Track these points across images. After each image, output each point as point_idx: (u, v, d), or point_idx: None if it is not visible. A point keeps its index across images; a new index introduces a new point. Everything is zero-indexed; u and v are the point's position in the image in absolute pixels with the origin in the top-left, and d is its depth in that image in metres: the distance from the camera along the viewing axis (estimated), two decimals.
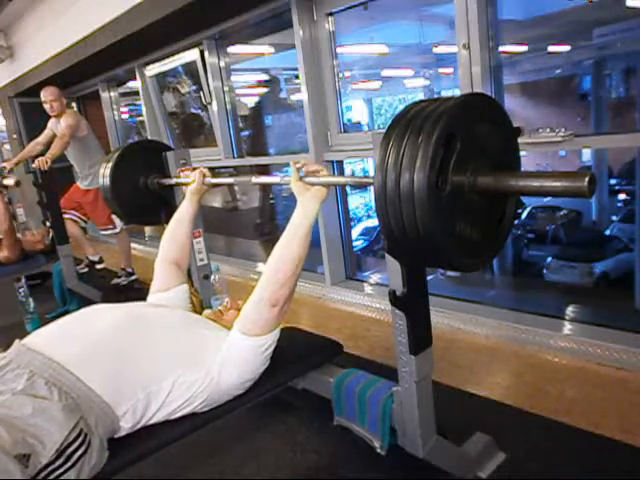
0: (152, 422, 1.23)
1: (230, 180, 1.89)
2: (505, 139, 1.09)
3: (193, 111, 3.98)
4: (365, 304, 2.65)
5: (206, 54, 3.37)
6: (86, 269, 3.96)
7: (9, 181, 3.40)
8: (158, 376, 1.22)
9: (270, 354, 1.31)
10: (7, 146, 6.42)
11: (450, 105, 0.94)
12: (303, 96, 2.69)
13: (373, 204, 0.97)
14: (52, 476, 1.00)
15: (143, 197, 2.08)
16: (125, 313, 1.37)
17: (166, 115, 4.15)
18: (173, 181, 2.00)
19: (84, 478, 1.07)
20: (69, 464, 1.03)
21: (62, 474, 1.02)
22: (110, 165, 2.00)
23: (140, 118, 4.92)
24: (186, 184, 1.86)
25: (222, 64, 3.42)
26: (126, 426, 1.19)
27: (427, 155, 0.89)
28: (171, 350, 1.28)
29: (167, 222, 1.93)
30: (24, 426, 1.01)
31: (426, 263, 1.16)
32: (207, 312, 1.61)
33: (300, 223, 1.28)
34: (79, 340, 1.23)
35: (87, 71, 4.40)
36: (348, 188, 3.14)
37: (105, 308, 1.41)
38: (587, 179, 0.84)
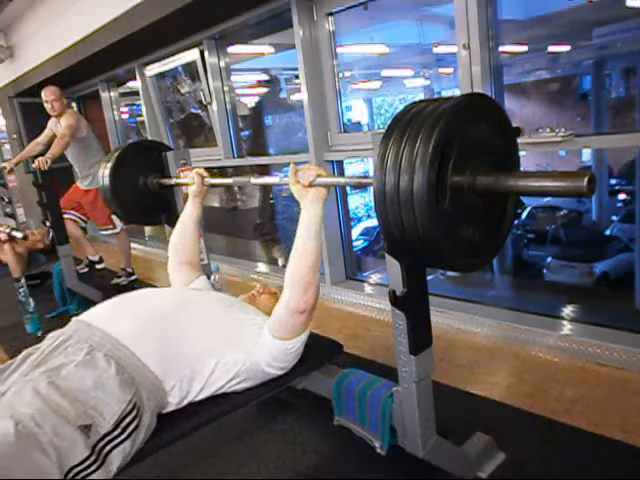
0: (197, 399, 1.29)
1: (229, 181, 1.89)
2: (504, 139, 1.09)
3: (193, 111, 3.98)
4: (365, 304, 2.66)
5: (206, 54, 3.37)
6: (86, 269, 3.96)
7: (18, 234, 3.46)
8: (204, 355, 1.28)
9: (300, 353, 1.37)
10: (7, 146, 6.42)
11: (449, 106, 0.94)
12: (303, 96, 2.69)
13: (373, 205, 0.97)
14: (109, 446, 1.07)
15: (143, 197, 2.08)
16: (173, 294, 1.49)
17: (166, 115, 4.15)
18: (173, 181, 2.00)
19: (136, 450, 1.14)
20: (125, 435, 1.10)
21: (118, 444, 1.09)
22: (109, 165, 1.99)
23: (140, 118, 4.92)
24: (186, 184, 1.86)
25: (222, 64, 3.42)
26: (173, 401, 1.26)
27: (426, 157, 0.89)
28: (215, 331, 1.33)
29: (167, 222, 1.92)
30: (85, 398, 1.09)
31: (426, 264, 1.16)
32: (242, 296, 1.65)
33: (308, 227, 1.29)
34: (133, 318, 1.30)
35: (87, 71, 4.40)
36: (348, 188, 3.14)
37: (154, 290, 1.53)
38: (586, 179, 0.84)
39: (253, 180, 1.66)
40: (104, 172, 2.01)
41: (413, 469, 1.36)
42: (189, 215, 1.76)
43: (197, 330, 1.32)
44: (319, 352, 1.58)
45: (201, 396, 1.30)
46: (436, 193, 0.92)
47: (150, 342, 1.25)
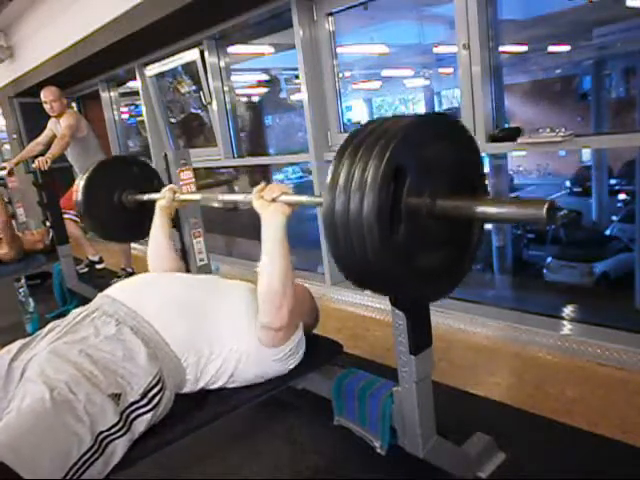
0: (211, 384, 1.32)
1: (197, 197, 1.89)
2: (469, 161, 1.02)
3: (193, 111, 3.98)
4: (365, 304, 2.66)
5: (206, 54, 3.37)
6: (86, 269, 3.96)
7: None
8: (223, 338, 1.30)
9: (295, 356, 1.36)
10: (7, 146, 6.42)
11: (405, 124, 0.89)
12: (303, 96, 2.69)
13: (322, 227, 0.93)
14: (135, 414, 1.13)
15: (118, 213, 2.06)
16: (196, 278, 1.54)
17: (166, 115, 4.15)
18: (145, 197, 1.97)
19: (154, 423, 1.19)
20: (150, 406, 1.16)
21: (143, 414, 1.14)
22: (84, 179, 2.00)
23: (140, 118, 4.92)
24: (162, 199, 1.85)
25: (222, 64, 3.42)
26: (190, 378, 1.29)
27: (377, 176, 0.83)
28: (236, 318, 1.34)
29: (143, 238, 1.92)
30: (115, 368, 1.15)
31: (380, 292, 1.07)
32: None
33: (273, 242, 1.26)
34: (159, 297, 1.35)
35: (87, 71, 4.40)
36: None
37: (177, 274, 1.59)
38: (546, 207, 0.79)
39: (220, 196, 1.69)
40: (78, 186, 2.01)
41: (413, 469, 1.36)
42: (158, 228, 1.76)
43: (220, 313, 1.34)
44: (319, 352, 1.58)
45: (214, 380, 1.32)
46: (390, 216, 0.85)
47: (173, 321, 1.29)
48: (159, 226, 1.76)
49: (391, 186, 0.85)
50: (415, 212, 0.90)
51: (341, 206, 0.86)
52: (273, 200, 1.26)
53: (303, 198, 1.23)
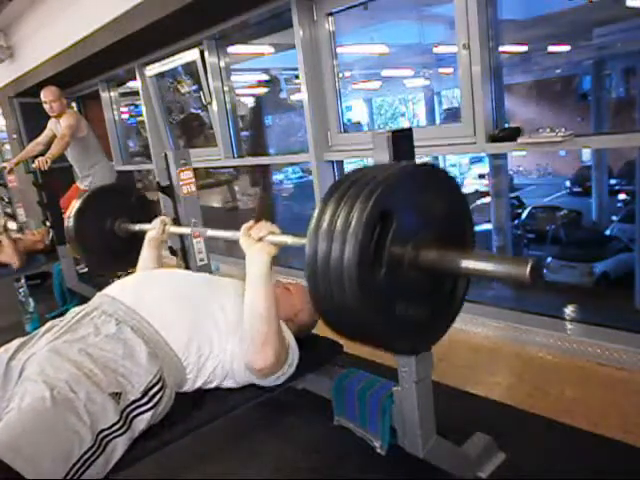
0: (209, 386, 1.33)
1: (187, 230, 1.90)
2: (455, 210, 1.02)
3: (193, 111, 3.98)
4: None
5: (206, 54, 3.36)
6: (86, 269, 3.95)
7: (12, 224, 3.44)
8: (222, 338, 1.30)
9: (287, 375, 1.35)
10: (7, 146, 6.42)
11: (392, 173, 0.89)
12: (303, 96, 2.69)
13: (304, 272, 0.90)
14: (135, 412, 1.13)
15: (109, 242, 2.05)
16: (201, 275, 1.54)
17: (166, 115, 4.15)
18: (137, 227, 1.98)
19: (155, 422, 1.20)
20: (151, 404, 1.16)
21: (144, 412, 1.15)
22: (75, 208, 2.00)
23: (140, 118, 4.92)
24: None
25: (222, 64, 3.42)
26: (190, 376, 1.29)
27: (360, 224, 0.82)
28: (236, 318, 1.33)
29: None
30: (116, 366, 1.15)
31: (362, 342, 1.05)
32: None
33: (255, 280, 1.27)
34: (156, 295, 1.35)
35: (87, 71, 4.40)
36: None
37: (180, 270, 1.61)
38: (529, 266, 0.78)
39: (209, 232, 1.69)
40: (70, 214, 2.01)
41: (413, 469, 1.36)
42: (147, 261, 1.77)
43: (218, 313, 1.34)
44: (319, 352, 1.58)
45: (212, 379, 1.32)
46: (371, 263, 0.84)
47: (173, 320, 1.29)
48: (146, 258, 1.77)
49: (376, 231, 0.84)
50: (398, 261, 0.89)
51: (323, 252, 0.85)
52: (260, 239, 1.27)
53: (289, 239, 1.23)
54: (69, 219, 2.01)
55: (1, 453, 0.93)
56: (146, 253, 1.78)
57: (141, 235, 1.88)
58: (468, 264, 0.88)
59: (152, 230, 1.80)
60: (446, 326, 1.05)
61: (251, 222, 1.32)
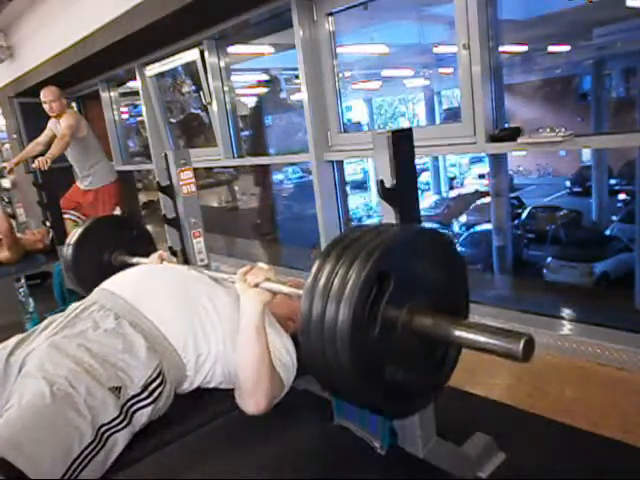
0: (208, 385, 1.33)
1: (184, 268, 1.90)
2: (453, 277, 1.02)
3: (193, 111, 3.98)
4: None
5: (206, 54, 3.36)
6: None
7: (6, 182, 3.44)
8: (217, 335, 1.30)
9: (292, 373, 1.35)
10: (7, 146, 6.42)
11: (389, 235, 0.89)
12: (303, 96, 2.69)
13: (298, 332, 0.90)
14: (135, 407, 1.13)
15: (105, 272, 2.06)
16: (197, 275, 1.50)
17: (166, 115, 4.15)
18: (134, 260, 1.97)
19: (155, 417, 1.20)
20: (151, 399, 1.16)
21: (144, 407, 1.15)
22: (73, 239, 2.01)
23: (140, 118, 4.92)
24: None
25: (222, 64, 3.42)
26: (189, 374, 1.29)
27: (359, 281, 0.82)
28: (227, 314, 1.33)
29: None
30: (115, 361, 1.15)
31: (351, 403, 1.05)
32: None
33: (247, 326, 1.25)
34: (155, 290, 1.35)
35: (87, 71, 4.40)
36: (348, 188, 3.14)
37: (175, 267, 1.61)
38: (522, 342, 0.77)
39: (207, 272, 1.67)
40: (67, 245, 2.02)
41: (413, 469, 1.36)
42: None
43: (215, 309, 1.33)
44: None
45: (209, 379, 1.32)
46: (365, 326, 0.84)
47: (172, 316, 1.28)
48: None
49: (373, 291, 0.84)
50: (392, 324, 0.89)
51: (318, 311, 0.85)
52: (256, 285, 1.26)
53: (284, 289, 1.22)
54: (68, 247, 2.02)
55: (2, 450, 0.93)
56: None
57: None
58: (461, 334, 0.88)
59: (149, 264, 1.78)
60: (439, 389, 1.06)
61: (248, 266, 1.31)
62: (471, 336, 0.86)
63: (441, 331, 0.89)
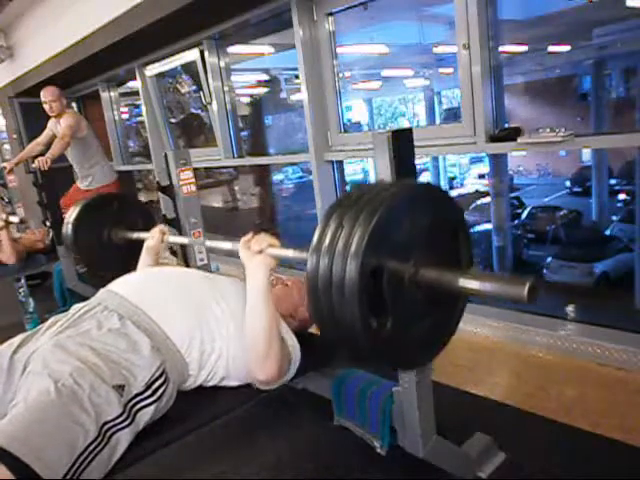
0: (209, 383, 1.34)
1: (185, 240, 1.91)
2: (455, 229, 1.03)
3: (193, 111, 3.98)
4: None
5: (206, 54, 3.36)
6: (86, 269, 3.95)
7: (14, 218, 3.45)
8: (220, 334, 1.32)
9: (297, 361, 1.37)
10: (7, 146, 6.42)
11: (393, 192, 0.90)
12: (303, 96, 2.69)
13: (306, 290, 0.92)
14: (139, 405, 1.14)
15: (108, 250, 2.08)
16: (203, 274, 1.53)
17: (166, 115, 4.15)
18: (134, 235, 1.98)
19: (158, 416, 1.21)
20: (154, 397, 1.17)
21: (147, 405, 1.16)
22: (73, 216, 2.02)
23: (140, 118, 4.92)
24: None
25: (222, 64, 3.42)
26: (192, 373, 1.31)
27: (362, 241, 0.83)
28: (238, 319, 1.33)
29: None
30: (119, 359, 1.17)
31: (361, 360, 1.09)
32: None
33: (255, 290, 1.28)
34: (159, 291, 1.37)
35: (87, 71, 4.40)
36: (348, 187, 3.14)
37: (178, 268, 1.64)
38: (527, 286, 0.79)
39: (208, 243, 1.72)
40: (67, 222, 2.03)
41: (413, 469, 1.36)
42: (146, 267, 1.76)
43: (217, 310, 1.34)
44: (319, 352, 1.58)
45: (211, 377, 1.33)
46: (373, 281, 0.86)
47: (175, 317, 1.30)
48: (145, 266, 1.76)
49: (378, 247, 0.85)
50: (399, 277, 0.90)
51: (324, 268, 0.86)
52: (260, 252, 1.27)
53: (289, 252, 1.23)
54: (67, 225, 2.03)
55: (9, 445, 0.94)
56: (145, 261, 1.78)
57: (139, 242, 1.88)
58: (465, 283, 0.89)
59: (150, 239, 1.80)
60: (437, 350, 1.10)
61: (250, 234, 1.31)
62: (476, 284, 0.88)
63: (447, 281, 0.91)
